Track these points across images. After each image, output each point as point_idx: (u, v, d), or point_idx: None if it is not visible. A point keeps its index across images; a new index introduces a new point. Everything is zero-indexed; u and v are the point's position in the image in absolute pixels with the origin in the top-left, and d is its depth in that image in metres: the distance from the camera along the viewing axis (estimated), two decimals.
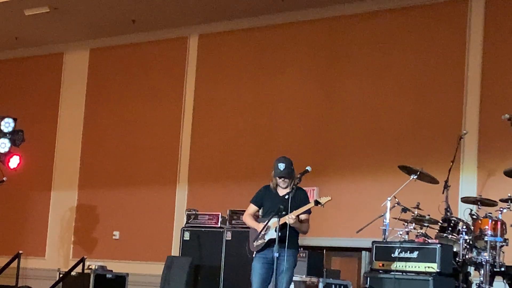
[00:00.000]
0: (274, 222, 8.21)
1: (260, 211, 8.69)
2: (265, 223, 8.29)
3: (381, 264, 8.96)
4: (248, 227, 8.68)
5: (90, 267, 11.82)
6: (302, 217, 8.31)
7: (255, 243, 8.41)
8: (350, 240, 11.28)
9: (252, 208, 8.66)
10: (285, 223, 8.12)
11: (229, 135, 13.10)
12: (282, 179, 8.41)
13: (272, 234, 8.26)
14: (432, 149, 11.14)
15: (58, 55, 15.22)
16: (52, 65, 15.25)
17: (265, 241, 8.33)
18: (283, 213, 8.13)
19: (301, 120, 12.45)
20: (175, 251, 12.46)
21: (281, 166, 8.38)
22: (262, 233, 8.31)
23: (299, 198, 8.30)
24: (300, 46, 12.67)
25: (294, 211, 8.15)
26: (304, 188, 8.61)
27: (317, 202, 8.24)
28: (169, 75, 13.92)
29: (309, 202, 8.34)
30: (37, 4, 13.13)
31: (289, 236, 8.07)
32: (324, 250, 10.98)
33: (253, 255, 8.47)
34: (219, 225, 11.36)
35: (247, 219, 8.65)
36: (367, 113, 11.88)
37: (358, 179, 11.74)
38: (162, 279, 11.26)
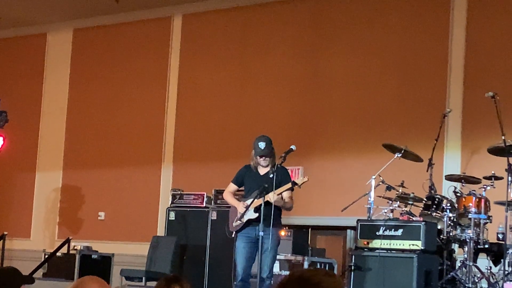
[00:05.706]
0: (256, 201, 8.23)
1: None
2: (248, 202, 8.30)
3: (365, 242, 8.98)
4: None
5: (75, 247, 11.80)
6: (285, 195, 8.33)
7: (234, 224, 8.43)
8: (335, 218, 11.30)
9: (232, 187, 8.70)
10: (268, 201, 8.14)
11: (214, 114, 13.07)
12: (263, 157, 8.42)
13: (250, 215, 8.27)
14: (416, 127, 11.15)
15: (41, 35, 15.10)
16: (35, 46, 15.14)
17: (244, 221, 8.35)
18: (264, 193, 8.16)
19: (286, 99, 12.44)
20: (161, 231, 12.46)
21: (262, 145, 8.38)
22: (242, 213, 8.33)
23: (280, 176, 8.32)
24: (284, 25, 12.63)
25: (276, 190, 8.17)
26: (289, 167, 8.64)
27: (294, 183, 8.27)
28: (153, 55, 13.85)
29: (290, 179, 8.37)
30: None
31: (270, 214, 8.09)
32: (309, 229, 11.01)
33: (232, 235, 8.49)
34: (204, 205, 11.37)
35: (228, 197, 8.68)
36: (352, 92, 11.88)
37: (343, 158, 11.75)
38: (147, 259, 11.28)
